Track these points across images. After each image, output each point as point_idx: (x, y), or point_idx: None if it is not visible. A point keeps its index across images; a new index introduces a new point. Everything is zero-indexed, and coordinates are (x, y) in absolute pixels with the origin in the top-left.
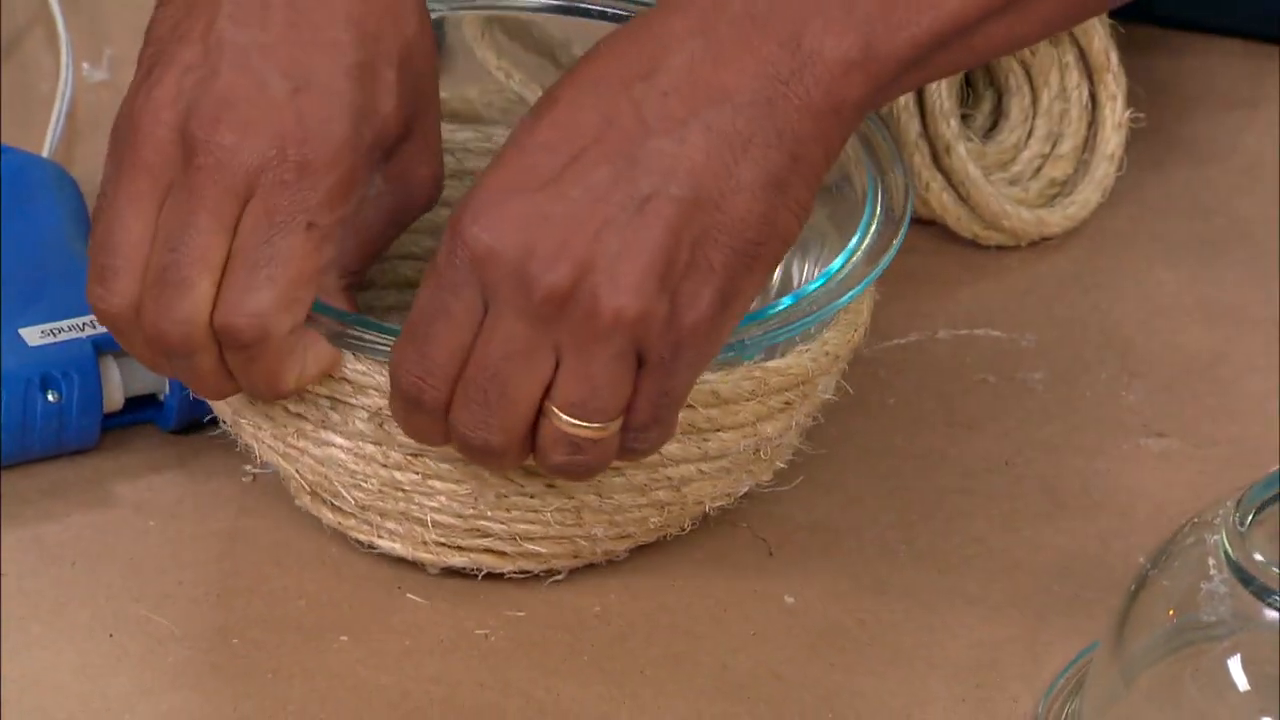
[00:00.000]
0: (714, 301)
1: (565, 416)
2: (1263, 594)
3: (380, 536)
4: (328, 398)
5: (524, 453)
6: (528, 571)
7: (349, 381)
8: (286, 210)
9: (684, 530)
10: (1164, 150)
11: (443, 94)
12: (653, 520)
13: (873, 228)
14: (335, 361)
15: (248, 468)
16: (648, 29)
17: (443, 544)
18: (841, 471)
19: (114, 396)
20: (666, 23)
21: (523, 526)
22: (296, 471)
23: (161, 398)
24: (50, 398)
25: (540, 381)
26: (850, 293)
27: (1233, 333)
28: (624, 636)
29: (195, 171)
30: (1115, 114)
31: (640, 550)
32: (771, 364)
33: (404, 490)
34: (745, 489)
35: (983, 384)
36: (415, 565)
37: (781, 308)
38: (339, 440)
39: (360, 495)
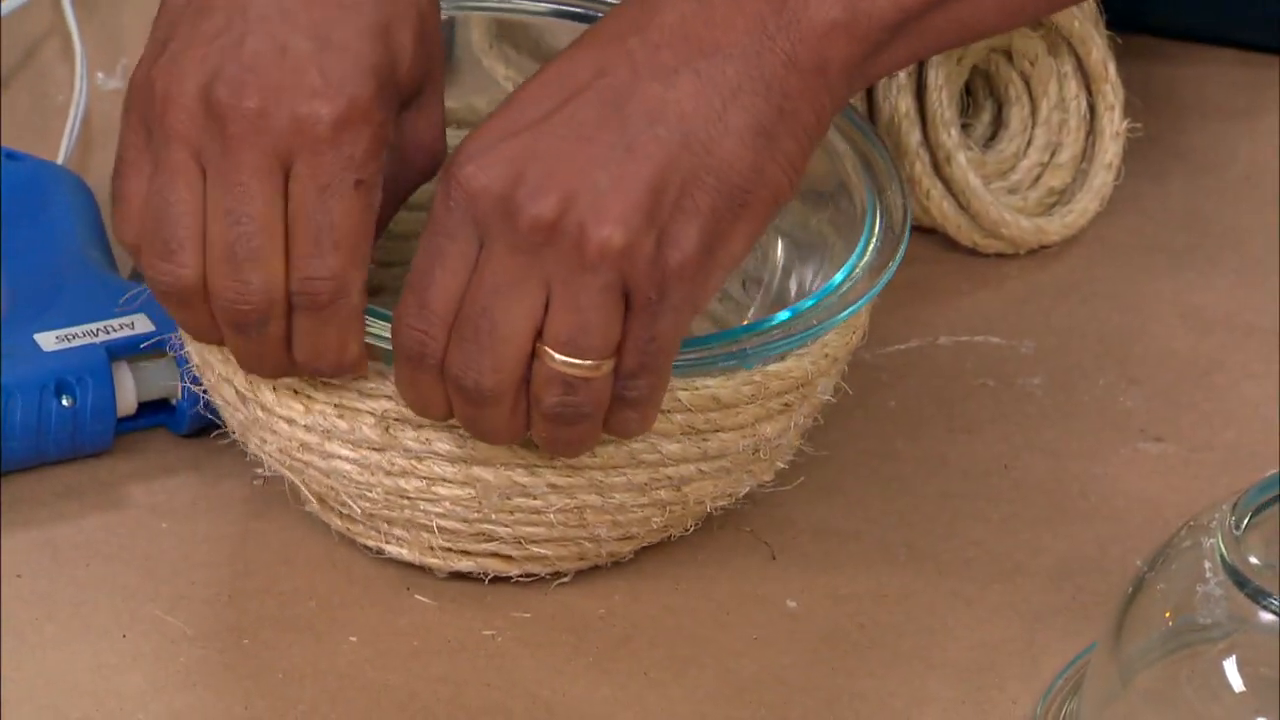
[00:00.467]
0: (700, 242)
1: (557, 355)
2: (1258, 596)
3: (388, 542)
4: (335, 406)
5: (518, 402)
6: (534, 575)
7: (355, 389)
8: (330, 171)
9: (687, 531)
10: (1161, 160)
11: (450, 103)
12: (655, 521)
13: (872, 243)
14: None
15: (259, 471)
16: None
17: (449, 549)
18: (843, 475)
19: (127, 401)
20: None
21: (527, 529)
22: (303, 482)
23: (174, 402)
24: (64, 402)
25: (530, 316)
26: (849, 309)
27: (1228, 340)
28: (628, 639)
29: (230, 140)
30: (1113, 124)
31: (645, 553)
32: (771, 367)
33: (409, 498)
34: (746, 489)
35: (982, 389)
36: (423, 568)
37: (781, 320)
38: (344, 452)
39: (366, 505)
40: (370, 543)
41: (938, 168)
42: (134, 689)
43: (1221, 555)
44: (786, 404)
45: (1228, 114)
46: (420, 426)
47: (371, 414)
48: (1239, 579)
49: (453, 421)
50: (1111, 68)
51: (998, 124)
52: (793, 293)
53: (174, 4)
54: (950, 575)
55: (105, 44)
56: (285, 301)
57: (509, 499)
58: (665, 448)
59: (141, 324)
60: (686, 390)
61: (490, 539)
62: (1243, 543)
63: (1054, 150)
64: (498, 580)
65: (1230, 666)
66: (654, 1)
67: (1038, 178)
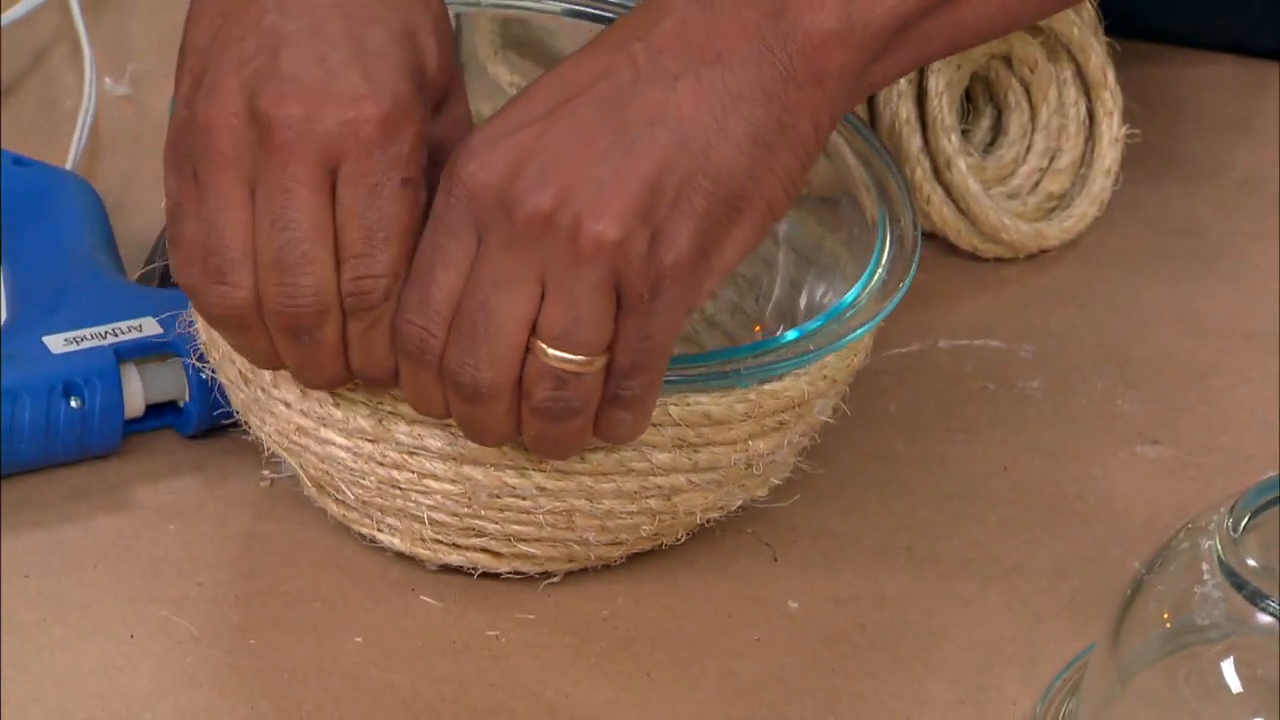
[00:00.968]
0: (694, 244)
1: (549, 349)
2: (1255, 598)
3: (381, 531)
4: (331, 394)
5: (512, 402)
6: (523, 573)
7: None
8: (379, 170)
9: (679, 540)
10: (1159, 165)
11: None
12: (645, 529)
13: (880, 270)
14: None
15: (265, 472)
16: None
17: (440, 541)
18: (844, 477)
19: (135, 403)
20: None
21: (516, 528)
22: (301, 465)
23: (181, 404)
24: (73, 404)
25: (525, 310)
26: (849, 336)
27: (1225, 344)
28: (631, 640)
29: (277, 150)
30: (1112, 130)
31: (646, 556)
32: (767, 386)
33: (400, 488)
34: (738, 503)
35: (982, 392)
36: (428, 568)
37: (784, 341)
38: (338, 439)
39: (360, 491)
40: (364, 530)
41: (938, 173)
42: (140, 689)
43: (1219, 557)
44: (781, 422)
45: (1226, 120)
46: (413, 422)
47: (366, 405)
48: (1237, 581)
49: (448, 420)
50: (1110, 74)
51: (997, 130)
52: (802, 308)
53: (197, 43)
54: (950, 577)
55: (114, 50)
56: (338, 306)
57: (498, 498)
58: (655, 457)
59: (149, 326)
60: (678, 406)
61: (480, 534)
62: (1240, 545)
63: (1053, 156)
64: (501, 581)
65: (1228, 668)
66: (659, 9)
67: (1037, 183)
